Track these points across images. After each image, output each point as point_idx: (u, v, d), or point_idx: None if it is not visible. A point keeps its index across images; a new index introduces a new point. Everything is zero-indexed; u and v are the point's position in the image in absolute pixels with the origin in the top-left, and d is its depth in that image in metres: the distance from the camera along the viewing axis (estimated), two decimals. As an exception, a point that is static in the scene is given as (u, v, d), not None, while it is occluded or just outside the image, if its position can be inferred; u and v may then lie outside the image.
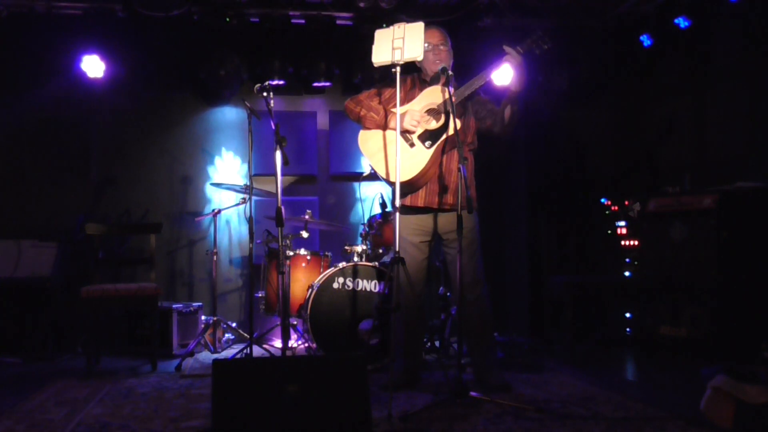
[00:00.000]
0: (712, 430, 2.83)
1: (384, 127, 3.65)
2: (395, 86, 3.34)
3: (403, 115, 3.51)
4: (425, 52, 3.60)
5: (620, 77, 5.94)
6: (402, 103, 3.62)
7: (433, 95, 3.61)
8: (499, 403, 3.19)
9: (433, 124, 3.56)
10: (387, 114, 3.64)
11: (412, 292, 3.61)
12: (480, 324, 3.62)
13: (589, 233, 5.55)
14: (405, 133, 3.56)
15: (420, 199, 3.63)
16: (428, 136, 3.55)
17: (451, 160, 3.61)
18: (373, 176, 3.75)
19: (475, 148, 3.76)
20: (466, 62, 3.77)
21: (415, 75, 3.76)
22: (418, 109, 3.59)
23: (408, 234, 3.66)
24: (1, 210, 5.36)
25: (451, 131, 3.49)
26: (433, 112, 3.59)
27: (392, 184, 3.63)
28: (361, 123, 3.72)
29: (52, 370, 4.29)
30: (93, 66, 5.15)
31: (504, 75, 3.58)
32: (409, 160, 3.52)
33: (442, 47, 3.63)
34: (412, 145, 3.56)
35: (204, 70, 5.38)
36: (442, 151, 3.58)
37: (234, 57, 5.40)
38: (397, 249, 3.32)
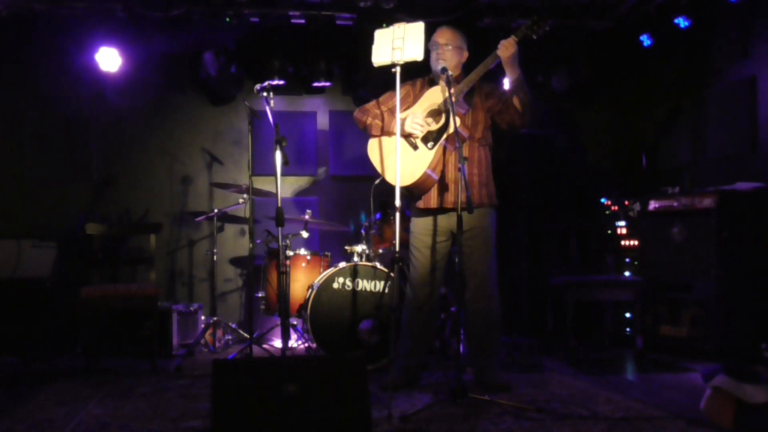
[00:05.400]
0: (712, 430, 2.83)
1: (389, 133, 3.65)
2: (401, 90, 3.34)
3: (404, 119, 3.52)
4: (432, 52, 3.60)
5: (620, 77, 5.94)
6: (411, 106, 3.63)
7: (434, 96, 3.61)
8: (499, 403, 3.19)
9: (435, 125, 3.56)
10: (392, 120, 3.64)
11: (412, 293, 3.61)
12: (488, 325, 3.61)
13: (589, 233, 5.55)
14: (408, 136, 3.55)
15: (432, 200, 3.61)
16: (430, 137, 3.55)
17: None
18: (384, 183, 3.75)
19: (490, 144, 3.73)
20: (464, 63, 3.77)
21: (425, 77, 3.76)
22: (420, 111, 3.59)
23: (422, 235, 3.65)
24: (1, 210, 5.37)
25: (451, 130, 3.49)
26: (434, 113, 3.59)
27: (402, 189, 3.63)
28: (368, 131, 3.74)
29: (52, 370, 4.29)
30: (108, 59, 5.14)
31: (505, 64, 3.56)
32: (413, 162, 3.52)
33: (447, 47, 3.61)
34: (415, 147, 3.56)
35: (204, 70, 5.38)
36: (450, 149, 3.58)
37: (234, 57, 5.40)
38: (397, 249, 3.31)
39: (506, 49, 3.43)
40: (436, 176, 3.58)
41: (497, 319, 3.64)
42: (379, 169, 3.69)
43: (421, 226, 3.66)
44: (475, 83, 3.54)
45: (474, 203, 3.53)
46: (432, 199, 3.62)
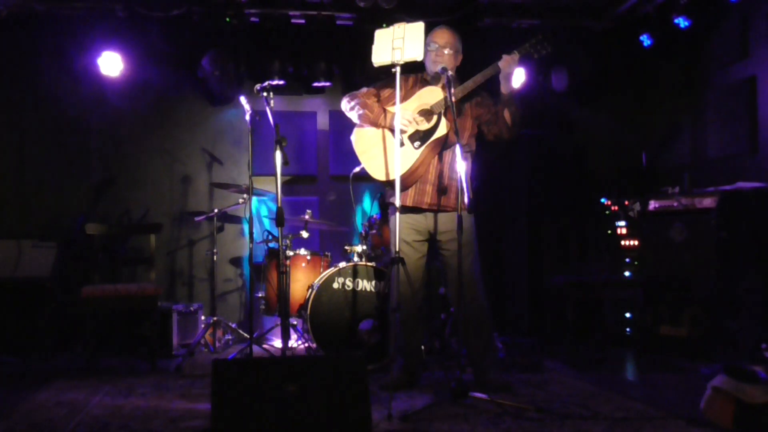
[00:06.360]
0: (712, 430, 2.83)
1: (378, 125, 3.65)
2: (395, 86, 3.35)
3: (394, 114, 3.51)
4: (429, 52, 3.60)
5: (620, 77, 5.94)
6: (402, 101, 3.62)
7: (428, 96, 3.61)
8: (499, 403, 3.19)
9: (424, 125, 3.56)
10: (382, 112, 3.64)
11: (410, 292, 3.61)
12: (478, 324, 3.62)
13: (589, 233, 5.55)
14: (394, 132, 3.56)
15: (409, 198, 3.63)
16: (418, 137, 3.55)
17: (445, 161, 3.62)
18: (365, 175, 3.76)
19: (473, 151, 3.75)
20: (465, 63, 3.76)
21: (418, 74, 3.76)
22: (411, 110, 3.59)
23: (402, 233, 3.66)
24: (1, 210, 5.36)
25: (441, 132, 3.50)
26: (425, 113, 3.59)
27: (382, 183, 3.65)
28: (356, 120, 3.72)
29: (52, 370, 4.29)
30: (110, 64, 5.16)
31: (503, 77, 3.58)
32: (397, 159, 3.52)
33: (447, 50, 3.61)
34: (401, 144, 3.56)
35: (204, 70, 5.38)
36: (434, 151, 3.58)
37: (234, 57, 5.40)
38: (396, 249, 3.32)
39: (508, 64, 3.46)
40: (417, 176, 3.59)
41: (486, 316, 3.65)
42: (362, 160, 3.70)
43: (402, 222, 3.64)
44: (469, 91, 3.55)
45: (451, 208, 3.56)
46: (409, 197, 3.63)
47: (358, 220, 5.66)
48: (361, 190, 5.73)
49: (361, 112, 3.66)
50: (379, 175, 3.61)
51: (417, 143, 3.55)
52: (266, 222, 5.63)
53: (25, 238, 4.92)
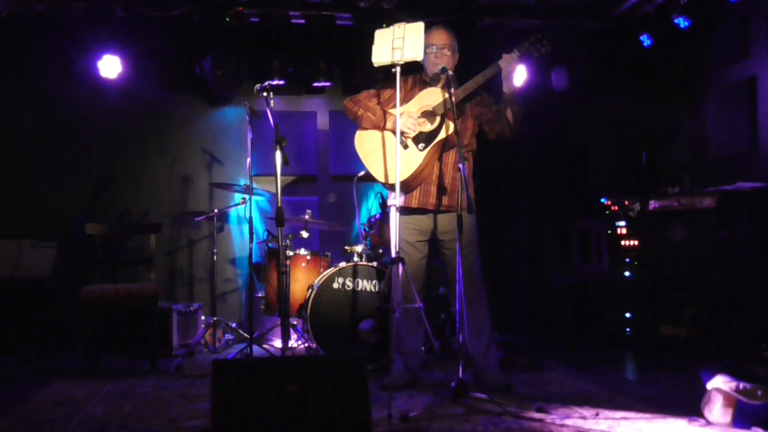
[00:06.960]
0: (712, 429, 2.83)
1: (380, 127, 3.65)
2: (395, 87, 3.35)
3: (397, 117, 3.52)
4: (428, 53, 3.60)
5: (620, 77, 5.95)
6: (401, 104, 3.62)
7: (429, 97, 3.61)
8: (499, 403, 3.19)
9: (428, 126, 3.56)
10: (384, 114, 3.64)
11: (410, 292, 3.61)
12: (478, 324, 3.62)
13: (589, 233, 5.55)
14: (400, 134, 3.56)
15: (414, 200, 3.64)
16: (422, 138, 3.56)
17: (446, 161, 3.62)
18: (369, 177, 3.76)
19: (474, 150, 3.75)
20: (465, 63, 3.77)
21: (417, 75, 3.76)
22: (414, 111, 3.59)
23: (405, 234, 3.67)
24: (1, 210, 5.36)
25: (445, 134, 3.50)
26: (427, 114, 3.59)
27: (386, 186, 3.65)
28: (358, 123, 3.73)
29: (52, 370, 4.29)
30: (110, 66, 5.16)
31: (504, 77, 3.58)
32: (402, 161, 3.53)
33: (445, 51, 3.62)
34: (405, 146, 3.56)
35: (204, 70, 5.38)
36: (437, 153, 3.58)
37: (234, 57, 5.40)
38: (396, 249, 3.32)
39: (508, 63, 3.48)
40: (423, 177, 3.59)
41: (486, 316, 3.65)
42: (365, 163, 3.70)
43: (404, 223, 3.67)
44: (470, 92, 3.55)
45: (454, 208, 3.56)
46: (414, 199, 3.63)
47: (363, 219, 5.67)
48: (365, 189, 5.73)
49: (363, 115, 3.67)
50: (383, 177, 3.61)
51: (421, 145, 3.55)
52: (258, 224, 5.62)
53: (25, 238, 4.92)
